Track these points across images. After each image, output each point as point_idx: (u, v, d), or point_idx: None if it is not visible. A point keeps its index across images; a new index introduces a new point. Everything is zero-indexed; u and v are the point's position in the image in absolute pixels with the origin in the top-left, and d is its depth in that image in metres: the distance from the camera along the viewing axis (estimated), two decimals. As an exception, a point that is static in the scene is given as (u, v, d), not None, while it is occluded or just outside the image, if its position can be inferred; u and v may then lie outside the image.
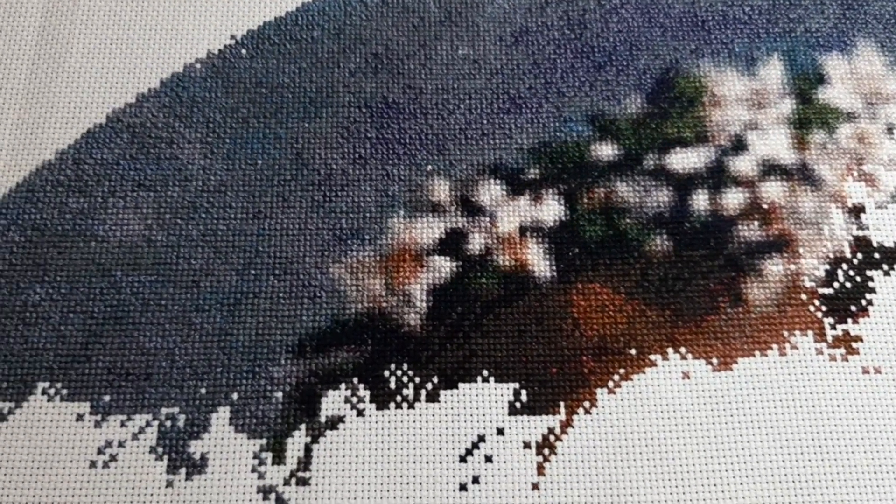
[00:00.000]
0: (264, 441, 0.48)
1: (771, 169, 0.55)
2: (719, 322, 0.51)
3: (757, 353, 0.50)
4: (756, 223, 0.53)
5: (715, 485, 0.48)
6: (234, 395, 0.49)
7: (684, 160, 0.55)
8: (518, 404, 0.49)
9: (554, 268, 0.52)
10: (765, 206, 0.54)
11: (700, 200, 0.54)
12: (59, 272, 0.52)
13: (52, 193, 0.54)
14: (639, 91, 0.57)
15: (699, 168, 0.55)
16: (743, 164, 0.55)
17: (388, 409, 0.49)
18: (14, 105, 0.57)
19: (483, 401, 0.49)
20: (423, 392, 0.50)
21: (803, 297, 0.52)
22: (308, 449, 0.48)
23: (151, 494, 0.47)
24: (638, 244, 0.53)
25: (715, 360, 0.50)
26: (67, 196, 0.54)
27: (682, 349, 0.50)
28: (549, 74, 0.57)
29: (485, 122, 0.56)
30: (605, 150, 0.55)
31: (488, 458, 0.48)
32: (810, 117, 0.57)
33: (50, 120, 0.56)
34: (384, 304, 0.51)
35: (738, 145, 0.56)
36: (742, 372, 0.50)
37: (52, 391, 0.49)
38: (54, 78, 0.58)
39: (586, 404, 0.49)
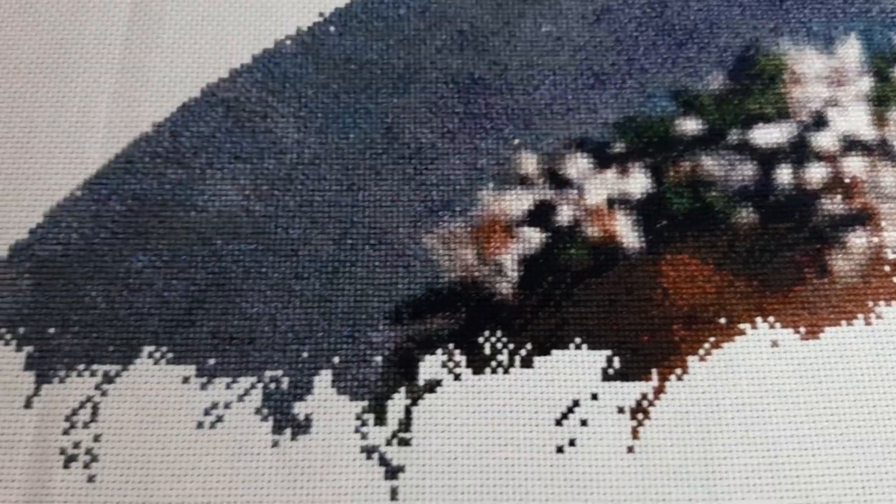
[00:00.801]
0: (366, 403, 0.50)
1: (851, 144, 0.56)
2: (806, 292, 0.52)
3: (843, 322, 0.52)
4: (839, 197, 0.55)
5: (805, 449, 0.49)
6: (336, 359, 0.51)
7: (767, 135, 0.56)
8: (611, 371, 0.50)
9: (643, 239, 0.53)
10: (847, 181, 0.55)
11: (784, 174, 0.55)
12: (160, 240, 0.54)
13: (151, 164, 0.56)
14: (720, 68, 0.58)
15: (782, 143, 0.56)
16: (824, 140, 0.56)
17: (484, 374, 0.51)
18: (110, 79, 0.58)
19: (576, 367, 0.51)
20: (518, 358, 0.51)
21: (886, 268, 0.53)
22: (408, 411, 0.50)
23: (258, 454, 0.49)
24: (724, 216, 0.54)
25: (802, 329, 0.51)
26: (166, 167, 0.55)
27: (771, 318, 0.52)
28: (632, 51, 0.59)
29: (569, 97, 0.57)
30: (690, 125, 0.56)
31: (583, 422, 0.49)
32: (888, 95, 0.58)
33: (146, 93, 0.58)
34: (476, 274, 0.53)
35: (819, 121, 0.57)
36: (829, 340, 0.51)
37: (157, 354, 0.51)
38: (148, 53, 0.59)
39: (678, 371, 0.50)
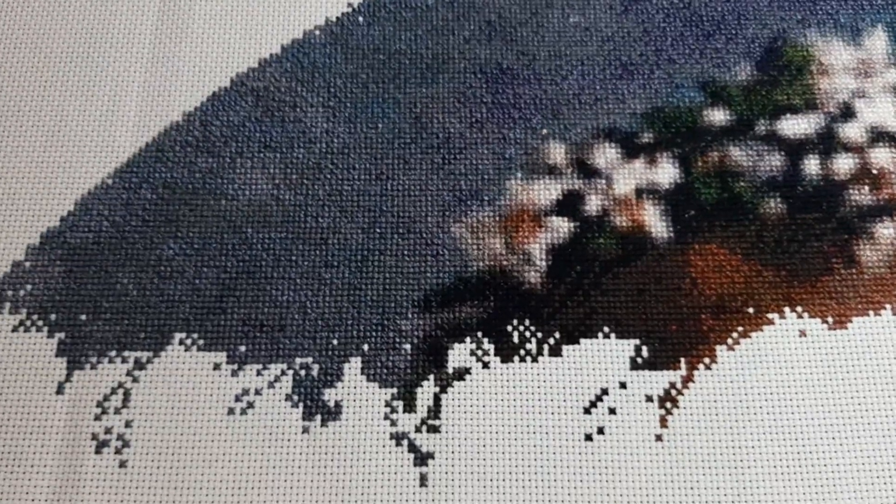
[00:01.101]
0: (395, 390, 0.50)
1: (879, 136, 0.56)
2: (833, 282, 0.52)
3: (871, 312, 0.52)
4: (866, 188, 0.55)
5: (833, 438, 0.49)
6: (365, 346, 0.51)
7: (795, 126, 0.56)
8: (639, 360, 0.51)
9: (671, 229, 0.53)
10: (874, 172, 0.55)
11: (811, 165, 0.55)
12: (191, 228, 0.54)
13: (182, 153, 0.56)
14: (748, 59, 0.58)
15: (809, 134, 0.56)
16: (852, 131, 0.56)
17: (513, 362, 0.51)
18: (140, 69, 0.59)
19: (605, 356, 0.51)
20: (546, 347, 0.51)
21: (915, 259, 0.53)
22: (437, 398, 0.50)
23: (288, 440, 0.49)
24: (752, 206, 0.54)
25: (830, 319, 0.51)
26: (196, 156, 0.56)
27: (799, 308, 0.52)
28: (660, 42, 0.59)
29: (597, 87, 0.57)
30: (718, 116, 0.56)
31: (612, 411, 0.50)
32: (916, 86, 0.58)
33: (176, 83, 0.58)
34: (505, 263, 0.53)
35: (847, 113, 0.57)
36: (857, 330, 0.51)
37: (188, 341, 0.51)
38: (178, 43, 0.59)
39: (706, 360, 0.51)
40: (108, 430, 0.50)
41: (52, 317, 0.52)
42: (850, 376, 0.50)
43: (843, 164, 0.55)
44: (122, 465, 0.49)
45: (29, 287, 0.53)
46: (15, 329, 0.52)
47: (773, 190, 0.54)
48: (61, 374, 0.51)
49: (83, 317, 0.52)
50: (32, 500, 0.48)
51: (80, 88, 0.58)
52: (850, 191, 0.55)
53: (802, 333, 0.51)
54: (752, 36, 0.59)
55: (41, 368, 0.51)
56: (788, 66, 0.58)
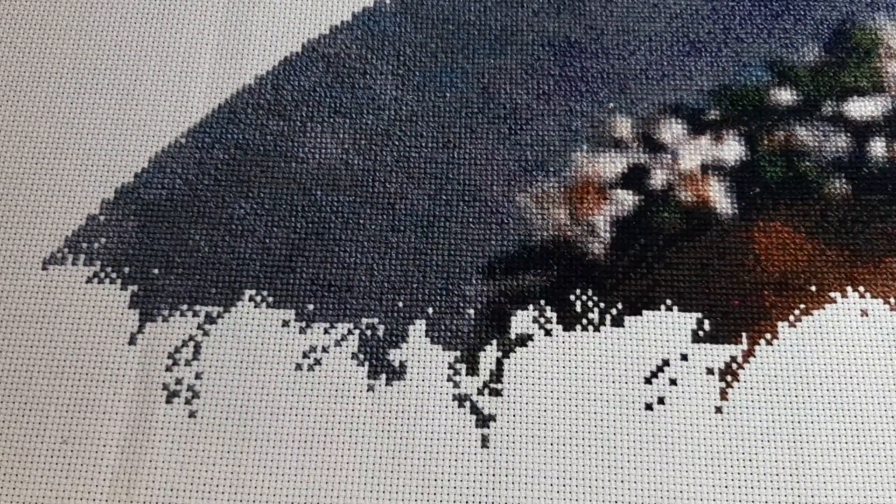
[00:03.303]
0: (458, 353, 0.51)
1: (947, 120, 0.56)
2: (897, 264, 0.53)
3: (934, 295, 0.52)
4: (933, 172, 0.55)
5: (892, 416, 0.49)
6: (430, 310, 0.52)
7: (861, 108, 0.56)
8: (701, 333, 0.51)
9: (735, 205, 0.54)
10: (941, 156, 0.55)
11: (877, 147, 0.55)
12: (262, 189, 0.55)
13: (253, 116, 0.57)
14: (816, 40, 0.58)
15: (876, 116, 0.56)
16: (919, 115, 0.56)
17: (575, 330, 0.52)
18: (213, 32, 0.60)
19: (667, 328, 0.52)
20: (608, 317, 0.52)
21: (979, 244, 0.53)
22: (499, 363, 0.51)
23: (354, 397, 0.50)
24: (818, 186, 0.54)
25: (893, 300, 0.52)
26: (268, 119, 0.57)
27: (861, 288, 0.52)
28: (728, 20, 0.59)
29: (665, 63, 0.58)
30: (784, 96, 0.57)
31: (673, 381, 0.50)
32: None
33: (248, 47, 0.59)
34: (569, 233, 0.54)
35: (915, 96, 0.57)
36: (919, 313, 0.52)
37: (258, 298, 0.53)
38: (252, 8, 0.61)
39: (767, 336, 0.51)
40: (178, 381, 0.51)
41: (126, 270, 0.54)
42: (911, 357, 0.51)
43: (910, 148, 0.55)
44: (192, 415, 0.50)
45: (103, 240, 0.54)
46: (89, 280, 0.53)
47: (839, 170, 0.55)
48: (134, 325, 0.52)
49: (156, 271, 0.53)
50: (105, 445, 0.50)
51: (156, 50, 0.60)
52: (916, 174, 0.55)
53: (864, 313, 0.51)
54: (821, 17, 0.59)
55: (114, 319, 0.53)
56: (856, 48, 0.58)
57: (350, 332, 0.52)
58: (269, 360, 0.51)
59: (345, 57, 0.59)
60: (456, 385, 0.50)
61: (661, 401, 0.50)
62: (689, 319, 0.52)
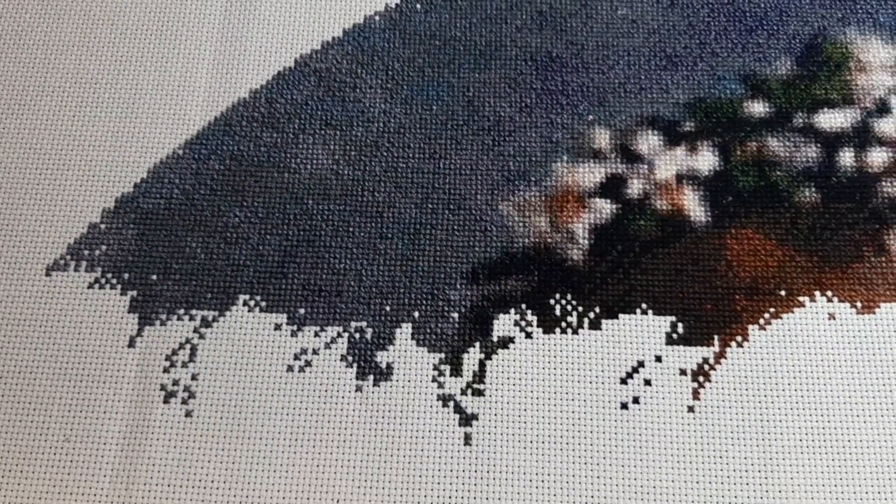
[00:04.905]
0: (443, 355, 0.53)
1: (913, 131, 0.58)
2: (863, 269, 0.55)
3: (898, 299, 0.54)
4: (899, 181, 0.57)
5: (857, 416, 0.51)
6: (416, 314, 0.54)
7: (831, 120, 0.59)
8: (675, 335, 0.54)
9: (709, 213, 0.56)
10: (907, 166, 0.57)
11: (846, 157, 0.58)
12: (256, 198, 0.58)
13: (248, 128, 0.60)
14: (788, 54, 0.61)
15: (845, 128, 0.58)
16: (887, 126, 0.58)
17: (554, 333, 0.54)
18: (210, 47, 0.62)
19: (642, 331, 0.54)
20: (586, 320, 0.54)
21: (943, 250, 0.55)
22: (482, 364, 0.53)
23: (343, 397, 0.53)
24: (788, 195, 0.57)
25: (859, 304, 0.54)
26: (262, 131, 0.59)
27: (829, 292, 0.54)
28: (704, 35, 0.61)
29: (643, 77, 0.60)
30: (757, 108, 0.59)
31: (647, 382, 0.52)
32: (951, 85, 0.60)
33: (243, 62, 0.62)
34: (549, 240, 0.56)
35: (883, 108, 0.59)
36: (884, 315, 0.54)
37: (251, 303, 0.55)
38: (246, 24, 0.63)
39: (738, 338, 0.53)
40: (175, 382, 0.53)
41: (125, 276, 0.56)
42: (876, 359, 0.53)
43: (877, 158, 0.58)
44: (188, 414, 0.52)
45: (104, 248, 0.57)
46: (90, 286, 0.56)
47: (809, 180, 0.57)
48: (133, 328, 0.55)
49: (154, 277, 0.56)
50: (105, 443, 0.52)
51: (155, 65, 0.62)
52: (883, 183, 0.57)
53: (831, 317, 0.54)
54: (794, 32, 0.62)
55: (114, 323, 0.55)
56: (827, 62, 0.61)
57: (339, 334, 0.54)
58: (261, 362, 0.54)
59: (336, 71, 0.61)
60: (440, 385, 0.53)
61: (636, 400, 0.52)
62: (664, 322, 0.54)
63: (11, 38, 0.63)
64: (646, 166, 0.58)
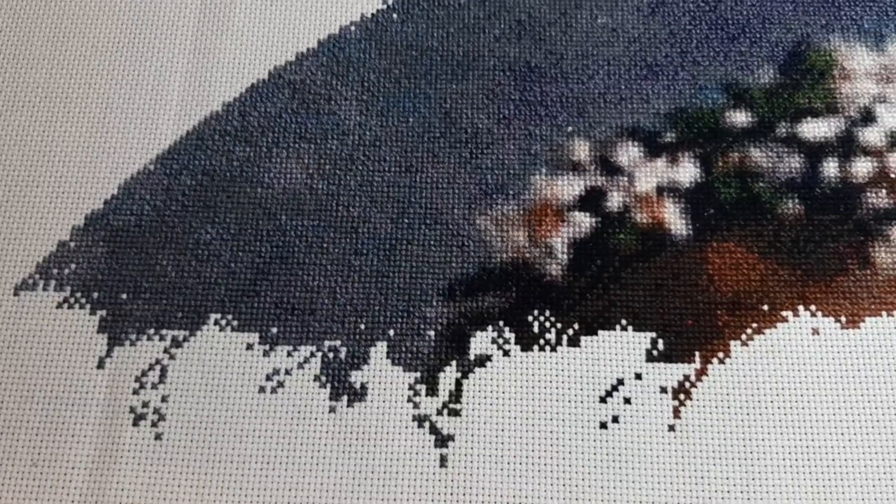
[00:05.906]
0: (418, 374, 0.52)
1: (899, 141, 0.57)
2: (848, 283, 0.54)
3: (884, 313, 0.53)
4: (884, 191, 0.56)
5: (842, 434, 0.50)
6: (391, 332, 0.53)
7: (815, 129, 0.58)
8: (655, 352, 0.52)
9: (690, 227, 0.55)
10: (892, 176, 0.56)
11: (830, 168, 0.57)
12: (228, 214, 0.56)
13: (220, 142, 0.58)
14: (771, 62, 0.60)
15: (829, 137, 0.57)
16: (871, 136, 0.57)
17: (532, 351, 0.53)
18: (182, 60, 0.61)
19: (622, 347, 0.53)
20: (565, 337, 0.53)
21: (929, 262, 0.54)
22: (458, 383, 0.52)
23: (316, 418, 0.52)
24: (771, 207, 0.55)
25: (843, 319, 0.53)
26: (234, 145, 0.58)
27: (813, 307, 0.53)
28: (685, 44, 0.60)
29: (623, 87, 0.59)
30: (739, 117, 0.58)
31: (627, 400, 0.51)
32: (937, 93, 0.59)
33: (216, 74, 0.61)
34: (527, 255, 0.55)
35: (867, 117, 0.58)
36: (869, 330, 0.53)
37: (223, 322, 0.54)
38: (219, 36, 0.62)
39: (720, 355, 0.52)
40: (145, 404, 0.52)
41: (95, 295, 0.55)
42: (861, 374, 0.52)
43: (862, 168, 0.57)
44: (158, 437, 0.51)
45: (73, 266, 0.56)
46: (59, 305, 0.55)
47: (792, 191, 0.56)
48: (102, 349, 0.54)
49: (124, 296, 0.55)
50: (73, 467, 0.51)
51: (126, 78, 0.61)
52: (868, 194, 0.56)
53: (815, 332, 0.53)
54: (776, 40, 0.60)
55: (83, 343, 0.54)
56: (811, 70, 0.60)
57: (313, 354, 0.53)
58: (233, 383, 0.52)
59: (310, 83, 0.60)
60: (416, 406, 0.52)
61: (615, 419, 0.51)
62: (644, 339, 0.53)
63: (-20, 52, 0.62)
64: (626, 178, 0.57)
